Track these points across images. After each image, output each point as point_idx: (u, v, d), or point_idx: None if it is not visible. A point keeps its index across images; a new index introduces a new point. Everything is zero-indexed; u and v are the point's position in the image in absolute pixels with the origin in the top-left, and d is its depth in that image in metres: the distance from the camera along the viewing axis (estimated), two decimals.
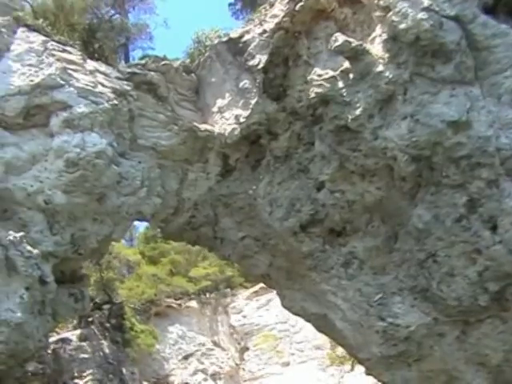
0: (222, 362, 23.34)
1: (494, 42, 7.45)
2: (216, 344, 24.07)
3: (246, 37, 9.23)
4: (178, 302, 23.70)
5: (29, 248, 8.11)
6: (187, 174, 9.87)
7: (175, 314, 23.42)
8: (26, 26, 8.98)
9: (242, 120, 9.15)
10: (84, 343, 17.04)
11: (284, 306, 10.93)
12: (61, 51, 8.88)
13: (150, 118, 9.47)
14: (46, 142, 8.47)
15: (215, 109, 9.59)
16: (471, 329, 8.49)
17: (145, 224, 25.46)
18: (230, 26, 10.28)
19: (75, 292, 9.78)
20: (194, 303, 24.28)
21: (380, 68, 7.88)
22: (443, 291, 8.23)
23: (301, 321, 19.74)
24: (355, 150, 8.44)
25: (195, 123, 9.51)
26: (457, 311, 8.34)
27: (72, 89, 8.52)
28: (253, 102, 9.06)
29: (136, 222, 14.32)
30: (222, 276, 25.55)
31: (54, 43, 8.90)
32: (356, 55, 8.01)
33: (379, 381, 10.17)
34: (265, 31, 8.95)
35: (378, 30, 8.08)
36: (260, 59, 8.92)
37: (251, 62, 9.04)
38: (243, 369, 23.47)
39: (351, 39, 8.09)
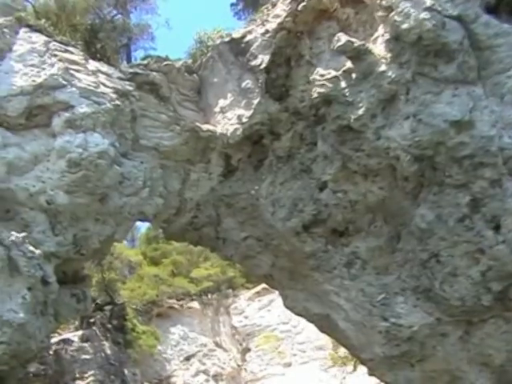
0: (224, 363, 23.30)
1: (497, 41, 7.46)
2: (218, 345, 24.03)
3: (249, 37, 9.23)
4: (180, 302, 23.66)
5: (31, 248, 8.12)
6: (189, 175, 9.87)
7: (177, 314, 23.39)
8: (28, 26, 8.99)
9: (244, 120, 9.14)
10: (86, 344, 17.02)
11: (286, 307, 10.91)
12: (63, 51, 8.88)
13: (152, 118, 9.48)
14: (48, 142, 8.47)
15: (217, 109, 9.59)
16: (474, 329, 8.47)
17: (146, 225, 25.52)
18: (232, 27, 10.31)
19: (77, 292, 9.79)
20: (195, 304, 24.24)
21: (382, 68, 7.89)
22: (446, 291, 8.21)
23: (303, 321, 19.74)
24: (358, 150, 8.43)
25: (197, 123, 9.50)
26: (460, 311, 8.32)
27: (74, 89, 8.53)
28: (255, 102, 9.06)
29: (138, 223, 14.35)
30: (223, 277, 25.51)
31: (56, 43, 8.91)
32: (358, 55, 8.02)
33: (382, 381, 10.15)
34: (267, 31, 8.95)
35: (381, 29, 8.08)
36: (262, 59, 8.92)
37: (253, 62, 9.04)
38: (245, 369, 23.42)
39: (354, 39, 8.10)
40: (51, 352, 15.56)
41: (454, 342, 8.69)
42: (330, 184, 9.01)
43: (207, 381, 22.36)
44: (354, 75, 8.15)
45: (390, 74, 7.82)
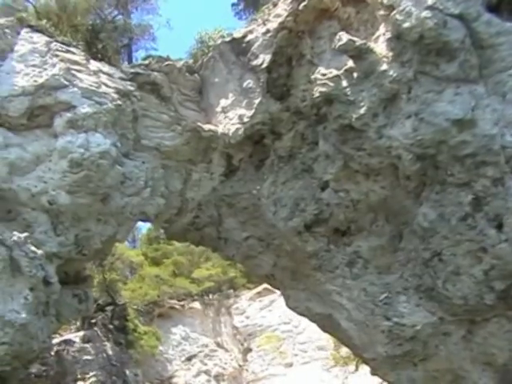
0: (226, 363, 23.29)
1: (499, 40, 7.42)
2: (219, 345, 24.02)
3: (250, 36, 9.23)
4: (181, 303, 23.65)
5: (33, 248, 8.12)
6: (191, 175, 9.87)
7: (178, 315, 23.38)
8: (30, 26, 9.00)
9: (245, 120, 9.14)
10: (87, 345, 17.02)
11: (288, 307, 10.90)
12: (64, 52, 8.89)
13: (154, 118, 9.48)
14: (50, 142, 8.48)
15: (219, 109, 9.58)
16: (477, 328, 8.45)
17: (147, 225, 25.55)
18: (233, 26, 10.30)
19: (79, 293, 9.80)
20: (196, 304, 24.24)
21: (384, 67, 7.87)
22: (449, 290, 8.19)
23: (304, 321, 19.80)
24: (359, 149, 8.42)
25: (199, 123, 9.50)
26: (463, 310, 8.30)
27: (76, 89, 8.53)
28: (256, 101, 9.06)
29: (139, 223, 14.36)
30: (224, 277, 25.51)
31: (57, 44, 8.91)
32: (360, 54, 8.01)
33: (385, 381, 10.14)
34: (268, 31, 8.94)
35: (382, 28, 8.06)
36: (263, 59, 8.92)
37: (255, 62, 9.04)
38: (246, 370, 23.42)
39: (355, 38, 8.09)
40: (53, 353, 15.53)
41: (456, 341, 8.67)
42: (332, 183, 9.01)
43: (209, 381, 22.35)
44: (355, 74, 8.14)
45: (391, 72, 7.81)
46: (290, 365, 22.56)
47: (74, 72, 8.71)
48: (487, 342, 8.42)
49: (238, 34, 9.48)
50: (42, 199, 8.39)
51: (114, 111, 8.72)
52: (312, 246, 9.46)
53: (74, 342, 16.73)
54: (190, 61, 10.16)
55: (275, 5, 9.17)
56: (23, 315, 7.92)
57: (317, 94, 8.51)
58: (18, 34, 8.87)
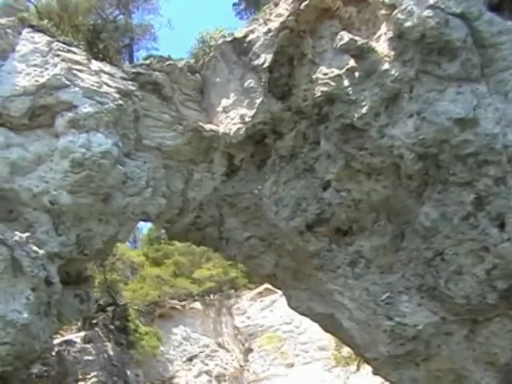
0: (227, 364, 23.28)
1: (500, 39, 7.44)
2: (220, 345, 24.01)
3: (251, 36, 9.23)
4: (182, 303, 23.64)
5: (35, 248, 8.10)
6: (192, 174, 9.86)
7: (179, 315, 23.37)
8: (31, 26, 8.98)
9: (247, 119, 9.14)
10: (88, 345, 17.02)
11: (290, 306, 10.89)
12: (66, 51, 8.87)
13: (155, 118, 9.47)
14: (52, 142, 8.46)
15: (220, 109, 9.58)
16: (479, 327, 8.44)
17: (148, 226, 25.56)
18: (235, 26, 10.30)
19: (80, 293, 9.78)
20: (197, 305, 24.23)
21: (386, 66, 7.88)
22: (451, 290, 8.19)
23: (305, 322, 19.77)
24: (361, 149, 8.42)
25: (200, 123, 9.49)
26: (465, 310, 8.29)
27: (77, 89, 8.51)
28: (258, 101, 9.05)
29: (140, 224, 14.36)
30: (225, 277, 25.50)
31: (58, 43, 8.89)
32: (362, 53, 8.02)
33: (387, 380, 10.12)
34: (270, 30, 8.94)
35: (384, 28, 8.07)
36: (265, 58, 8.92)
37: (256, 62, 9.03)
38: (248, 370, 23.41)
39: (357, 37, 8.10)
40: (54, 353, 15.54)
41: (459, 340, 8.66)
42: (334, 183, 9.00)
43: (210, 381, 22.34)
44: (357, 74, 8.14)
45: (393, 72, 7.81)
46: (292, 365, 22.54)
47: (75, 72, 8.70)
48: (489, 341, 8.42)
49: (239, 34, 9.48)
50: (43, 199, 8.37)
51: (115, 111, 8.71)
52: (314, 246, 9.45)
53: (75, 343, 16.73)
54: (192, 61, 10.15)
55: (276, 4, 9.18)
56: (25, 315, 7.90)
57: (318, 94, 8.51)
58: (20, 33, 8.85)
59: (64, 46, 8.97)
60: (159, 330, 21.50)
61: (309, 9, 8.57)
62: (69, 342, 16.56)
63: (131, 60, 11.66)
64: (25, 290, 8.01)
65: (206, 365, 22.67)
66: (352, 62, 8.16)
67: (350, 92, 8.17)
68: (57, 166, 8.40)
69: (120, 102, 8.80)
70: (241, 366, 23.69)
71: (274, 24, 8.91)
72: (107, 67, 9.35)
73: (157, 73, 9.44)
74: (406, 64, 7.75)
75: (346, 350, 17.77)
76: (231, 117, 9.36)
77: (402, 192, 8.45)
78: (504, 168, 7.43)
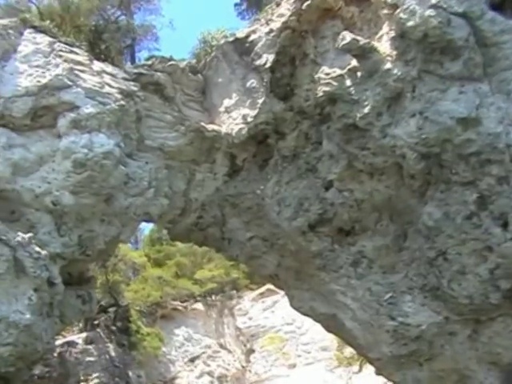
0: (229, 365, 23.26)
1: (503, 38, 7.43)
2: (222, 346, 24.00)
3: (253, 36, 9.23)
4: (184, 304, 23.63)
5: (37, 249, 8.10)
6: (194, 175, 9.86)
7: (181, 316, 23.36)
8: (33, 27, 9.00)
9: (249, 120, 9.14)
10: (90, 346, 17.02)
11: (293, 307, 10.88)
12: (68, 52, 8.88)
13: (157, 118, 9.47)
14: (54, 142, 8.46)
15: (222, 109, 9.58)
16: (483, 327, 8.42)
17: (150, 226, 25.56)
18: (236, 27, 10.30)
19: (83, 294, 9.78)
20: (199, 305, 24.22)
21: (388, 66, 7.87)
22: (454, 289, 8.17)
23: (307, 322, 19.75)
24: (363, 149, 8.41)
25: (202, 123, 9.50)
26: (468, 310, 8.28)
27: (79, 89, 8.52)
28: (260, 101, 9.05)
29: (141, 225, 14.33)
30: (227, 278, 25.48)
31: (60, 44, 8.91)
32: (364, 53, 8.00)
33: (390, 381, 10.09)
34: (271, 30, 8.94)
35: (386, 27, 8.06)
36: (267, 58, 8.91)
37: (258, 62, 9.03)
38: (249, 371, 23.38)
39: (359, 37, 8.08)
40: (55, 354, 15.54)
41: (462, 340, 8.64)
42: (336, 183, 8.99)
43: (212, 382, 22.32)
44: (359, 73, 8.14)
45: (395, 71, 7.80)
46: (294, 366, 22.51)
47: (77, 72, 8.71)
48: (493, 341, 8.40)
49: (241, 34, 9.48)
50: (45, 200, 8.38)
51: (117, 111, 8.71)
52: (316, 246, 9.44)
53: (77, 344, 16.73)
54: (193, 61, 10.16)
55: (278, 4, 9.18)
56: (27, 316, 7.90)
57: (320, 94, 8.51)
58: (22, 34, 8.86)
59: (66, 46, 8.99)
60: (161, 330, 21.49)
61: (311, 9, 8.57)
62: (70, 343, 16.56)
63: (133, 60, 11.68)
64: (27, 291, 8.01)
65: (208, 366, 22.66)
66: (354, 62, 8.16)
67: (353, 92, 8.17)
68: (59, 167, 8.41)
69: (122, 102, 8.80)
70: (243, 367, 23.67)
71: (276, 24, 8.90)
72: (109, 68, 9.36)
73: (159, 73, 9.44)
74: (408, 63, 7.74)
75: (349, 351, 17.74)
76: (233, 117, 9.36)
77: (404, 192, 8.44)
78: (507, 167, 7.41)
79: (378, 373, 10.13)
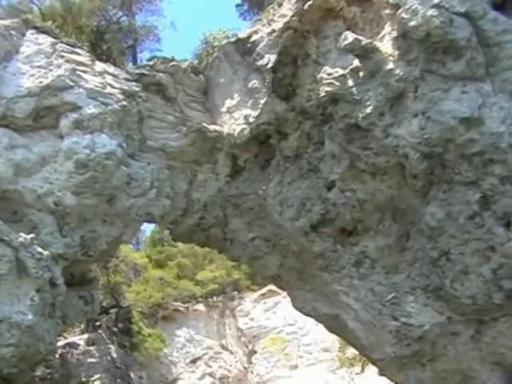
0: (230, 366, 23.27)
1: (505, 37, 7.42)
2: (224, 347, 24.01)
3: (255, 37, 9.22)
4: (186, 305, 23.67)
5: (39, 250, 8.09)
6: (196, 175, 9.86)
7: (182, 317, 23.39)
8: (35, 28, 9.01)
9: (251, 120, 9.13)
10: (91, 347, 17.02)
11: (295, 307, 10.86)
12: (70, 53, 8.89)
13: (159, 119, 9.47)
14: (56, 143, 8.46)
15: (224, 109, 9.57)
16: (486, 327, 8.39)
17: (151, 227, 25.58)
18: (238, 27, 10.29)
19: (85, 294, 9.78)
20: (201, 306, 24.24)
21: (390, 65, 7.87)
22: (457, 290, 8.15)
23: (309, 323, 19.75)
24: (366, 149, 8.40)
25: (204, 124, 9.49)
26: (471, 310, 8.25)
27: (81, 90, 8.52)
28: (262, 101, 9.04)
29: (143, 226, 14.35)
30: (229, 279, 25.51)
31: (62, 45, 8.91)
32: (366, 53, 8.01)
33: (392, 381, 10.06)
34: (273, 31, 8.94)
35: (388, 27, 8.06)
36: (269, 59, 8.91)
37: (260, 62, 9.03)
38: (251, 372, 23.37)
39: (361, 37, 8.09)
40: (57, 356, 15.53)
41: (465, 341, 8.61)
42: (338, 183, 8.98)
43: (213, 383, 22.32)
44: (361, 73, 8.14)
45: (397, 71, 7.80)
46: (295, 367, 22.50)
47: (79, 73, 8.71)
48: (496, 341, 8.37)
49: (242, 35, 9.48)
50: (47, 200, 8.38)
51: (119, 112, 8.71)
52: (318, 246, 9.43)
53: (79, 345, 16.73)
54: (195, 61, 10.16)
55: (280, 5, 9.18)
56: (29, 317, 7.88)
57: (322, 94, 8.50)
58: (24, 35, 8.87)
59: (68, 47, 8.99)
60: (162, 332, 21.52)
61: (312, 9, 8.57)
62: (72, 345, 16.56)
63: (135, 61, 11.70)
64: (29, 292, 7.99)
65: (210, 367, 22.67)
66: (356, 62, 8.16)
67: (355, 92, 8.16)
68: (61, 167, 8.40)
69: (124, 102, 8.80)
70: (244, 368, 23.67)
71: (278, 24, 8.90)
72: (111, 68, 9.36)
73: (160, 74, 9.44)
74: (410, 63, 7.74)
75: (351, 352, 17.72)
76: (235, 117, 9.36)
77: (407, 192, 8.42)
78: (510, 167, 7.40)
79: (381, 373, 10.10)
